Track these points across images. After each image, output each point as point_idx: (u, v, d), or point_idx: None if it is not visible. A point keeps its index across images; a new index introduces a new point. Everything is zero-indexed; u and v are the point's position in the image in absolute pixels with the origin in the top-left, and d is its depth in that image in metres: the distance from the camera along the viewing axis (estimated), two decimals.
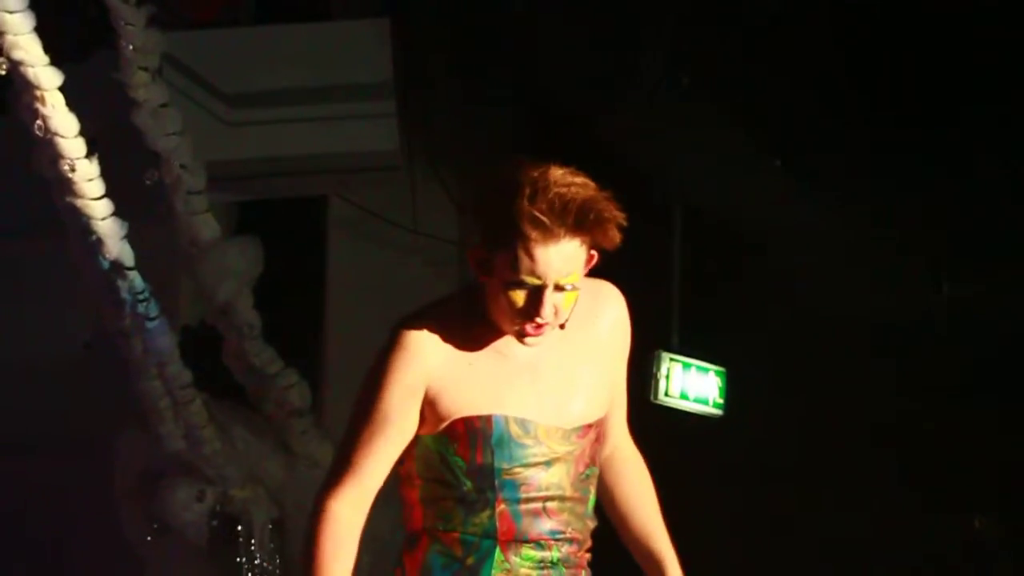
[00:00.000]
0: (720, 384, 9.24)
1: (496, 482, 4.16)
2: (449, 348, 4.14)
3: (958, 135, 8.59)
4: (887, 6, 8.25)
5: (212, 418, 8.00)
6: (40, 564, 9.19)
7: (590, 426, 4.26)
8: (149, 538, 8.22)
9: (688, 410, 9.08)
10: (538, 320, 4.04)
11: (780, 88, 8.45)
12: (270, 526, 8.29)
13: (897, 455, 9.42)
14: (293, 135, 8.70)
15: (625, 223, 4.05)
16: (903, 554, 9.46)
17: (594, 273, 4.24)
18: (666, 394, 8.50)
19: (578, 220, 3.90)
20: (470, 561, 4.21)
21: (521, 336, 4.11)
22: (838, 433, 9.42)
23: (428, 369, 4.11)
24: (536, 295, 3.98)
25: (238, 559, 8.20)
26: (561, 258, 3.95)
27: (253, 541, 8.23)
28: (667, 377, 8.87)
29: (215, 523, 8.15)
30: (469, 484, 4.17)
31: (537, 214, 3.88)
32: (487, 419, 4.14)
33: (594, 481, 4.34)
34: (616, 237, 4.03)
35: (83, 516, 8.83)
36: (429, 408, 4.13)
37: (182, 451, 8.09)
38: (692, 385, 9.10)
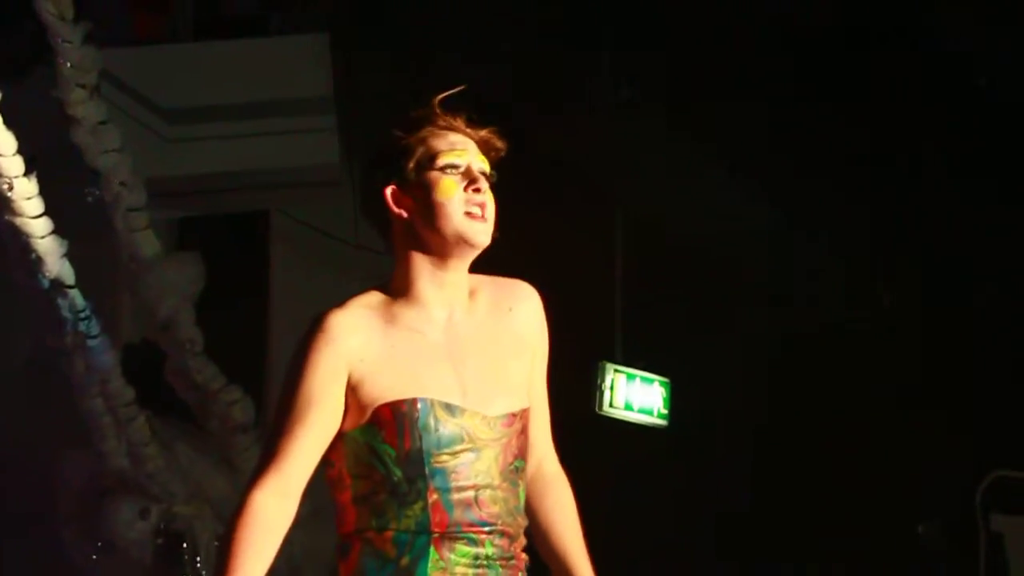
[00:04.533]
0: (664, 394, 9.32)
1: (426, 469, 4.01)
2: (370, 332, 4.01)
3: (908, 144, 8.69)
4: (838, 12, 8.30)
5: (155, 435, 7.91)
6: None
7: (514, 415, 4.14)
8: (94, 556, 8.10)
9: (633, 421, 8.94)
10: (478, 195, 3.97)
11: (725, 98, 8.51)
12: (215, 543, 7.99)
13: (843, 461, 9.23)
14: (233, 151, 8.66)
15: (504, 149, 4.09)
16: (850, 558, 9.25)
17: (539, 284, 4.13)
18: (611, 405, 8.47)
19: (469, 120, 3.98)
20: (404, 561, 4.03)
21: (467, 230, 4.00)
22: (783, 440, 9.27)
23: (349, 352, 3.99)
24: (467, 173, 3.96)
25: None
26: (472, 141, 4.04)
27: (198, 558, 8.12)
28: (611, 388, 8.89)
29: (160, 541, 8.06)
30: (399, 473, 4.01)
31: (440, 110, 3.98)
32: (412, 402, 4.00)
33: (523, 476, 4.22)
34: (501, 146, 4.06)
35: (23, 533, 8.65)
36: (353, 396, 3.99)
37: (125, 468, 7.97)
38: (636, 396, 9.19)
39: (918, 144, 9.06)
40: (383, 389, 4.01)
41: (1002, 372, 9.30)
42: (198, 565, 8.18)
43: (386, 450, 4.02)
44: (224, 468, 8.27)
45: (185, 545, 8.13)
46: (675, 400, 9.54)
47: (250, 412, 8.15)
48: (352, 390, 3.98)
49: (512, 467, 4.12)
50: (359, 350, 4.02)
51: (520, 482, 4.20)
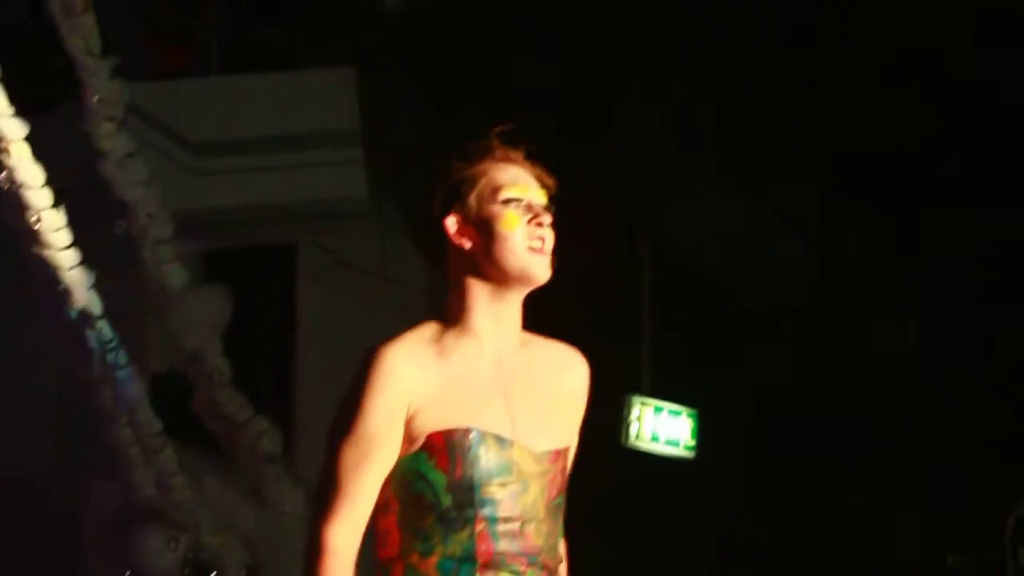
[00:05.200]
0: (692, 426, 9.40)
1: (476, 498, 4.01)
2: (425, 366, 4.01)
3: (934, 171, 8.61)
4: (857, 42, 8.28)
5: (183, 466, 7.96)
6: None
7: (559, 452, 4.10)
8: None
9: (659, 453, 8.95)
10: (540, 230, 3.97)
11: (750, 128, 8.45)
12: (243, 572, 8.27)
13: (871, 489, 9.19)
14: (260, 183, 8.79)
15: (554, 186, 4.06)
16: None
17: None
18: (637, 437, 8.51)
19: (528, 153, 3.98)
20: None
21: (530, 264, 3.99)
22: (811, 471, 9.21)
23: (406, 386, 3.97)
24: (529, 208, 3.95)
25: None
26: (531, 175, 4.03)
27: None
28: (639, 420, 8.89)
29: (187, 571, 8.14)
30: (449, 500, 4.00)
31: (499, 142, 3.96)
32: (464, 432, 4.00)
33: (562, 513, 4.13)
34: (551, 183, 4.03)
35: (50, 561, 8.67)
36: (406, 426, 3.99)
37: (153, 498, 8.04)
38: (663, 428, 9.16)
39: (947, 170, 9.08)
40: (436, 419, 4.01)
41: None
42: None
43: (436, 477, 4.02)
44: (252, 498, 8.36)
45: (214, 575, 8.25)
46: (702, 432, 9.51)
47: (278, 443, 8.22)
48: (407, 420, 4.00)
49: (555, 503, 4.11)
50: (415, 383, 4.00)
51: (560, 519, 4.15)
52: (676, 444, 9.26)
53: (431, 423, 4.00)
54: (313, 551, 3.93)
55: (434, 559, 4.02)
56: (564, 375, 4.21)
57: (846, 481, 9.56)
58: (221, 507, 8.35)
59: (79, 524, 8.51)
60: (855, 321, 9.77)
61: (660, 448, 9.23)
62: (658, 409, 9.14)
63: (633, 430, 8.90)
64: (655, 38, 8.60)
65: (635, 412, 9.00)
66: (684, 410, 9.28)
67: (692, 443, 9.32)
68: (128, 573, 8.11)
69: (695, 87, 8.38)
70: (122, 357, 7.69)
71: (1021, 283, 9.19)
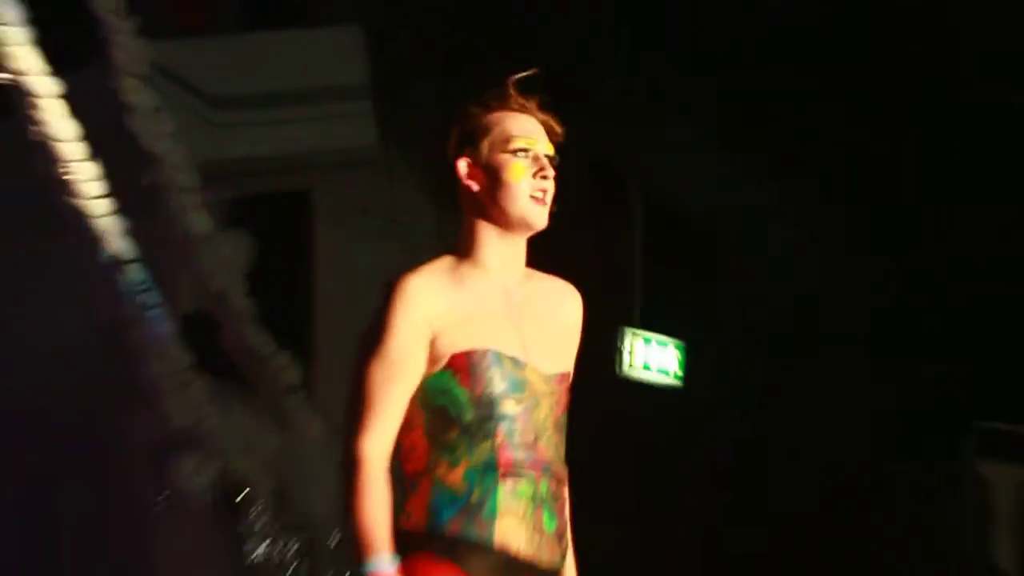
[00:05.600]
0: (680, 357, 9.40)
1: (495, 412, 4.16)
2: (443, 292, 4.15)
3: (918, 133, 8.83)
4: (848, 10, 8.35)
5: (211, 397, 7.97)
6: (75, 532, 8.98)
7: (564, 375, 4.28)
8: (158, 507, 8.19)
9: (650, 381, 9.25)
10: (544, 182, 4.10)
11: (735, 87, 8.62)
12: (270, 495, 8.34)
13: (847, 423, 9.52)
14: (276, 135, 9.00)
15: (562, 135, 4.15)
16: (855, 511, 9.57)
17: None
18: (630, 366, 8.82)
19: (541, 103, 4.09)
20: (475, 497, 4.19)
21: (530, 213, 4.14)
22: (790, 402, 9.53)
23: (428, 311, 4.11)
24: (536, 160, 4.08)
25: (240, 525, 8.21)
26: (541, 127, 4.15)
27: (253, 508, 8.22)
28: (630, 350, 9.07)
29: (218, 492, 8.14)
30: (471, 415, 4.15)
31: (515, 91, 4.08)
32: (484, 352, 4.16)
33: (565, 428, 4.32)
34: (560, 132, 4.14)
35: (92, 489, 8.66)
36: (431, 347, 4.14)
37: (186, 427, 7.98)
38: (654, 358, 9.28)
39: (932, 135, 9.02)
40: (457, 340, 4.16)
41: (999, 329, 9.61)
42: (252, 515, 8.28)
43: (460, 393, 4.15)
44: (275, 426, 8.52)
45: (241, 496, 8.23)
46: (689, 362, 9.50)
47: (297, 376, 8.45)
48: (431, 342, 4.14)
49: (560, 419, 4.25)
50: (437, 308, 4.14)
51: (564, 434, 4.29)
52: (666, 373, 9.52)
53: (453, 344, 4.14)
54: (348, 463, 4.07)
55: (460, 470, 4.16)
56: (562, 307, 4.33)
57: (818, 401, 9.70)
58: (247, 434, 8.39)
59: (121, 454, 8.52)
60: (830, 267, 9.50)
61: (651, 376, 9.49)
62: (647, 340, 9.42)
63: (626, 359, 8.90)
64: None
65: (627, 342, 9.27)
66: (672, 341, 9.55)
67: (680, 373, 9.62)
68: (166, 494, 8.15)
69: (683, 42, 8.35)
70: (153, 298, 7.78)
71: None
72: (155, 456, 8.32)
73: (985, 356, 10.30)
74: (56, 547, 8.91)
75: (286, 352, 8.46)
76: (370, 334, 4.09)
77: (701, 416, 9.84)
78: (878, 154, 9.07)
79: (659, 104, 8.78)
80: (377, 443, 4.08)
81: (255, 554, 8.37)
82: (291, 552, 8.54)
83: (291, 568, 8.60)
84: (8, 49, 6.89)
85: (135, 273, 7.67)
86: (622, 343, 8.77)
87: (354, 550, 4.04)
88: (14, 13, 6.83)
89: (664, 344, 9.88)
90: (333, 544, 8.47)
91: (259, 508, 8.34)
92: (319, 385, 9.06)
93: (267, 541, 8.35)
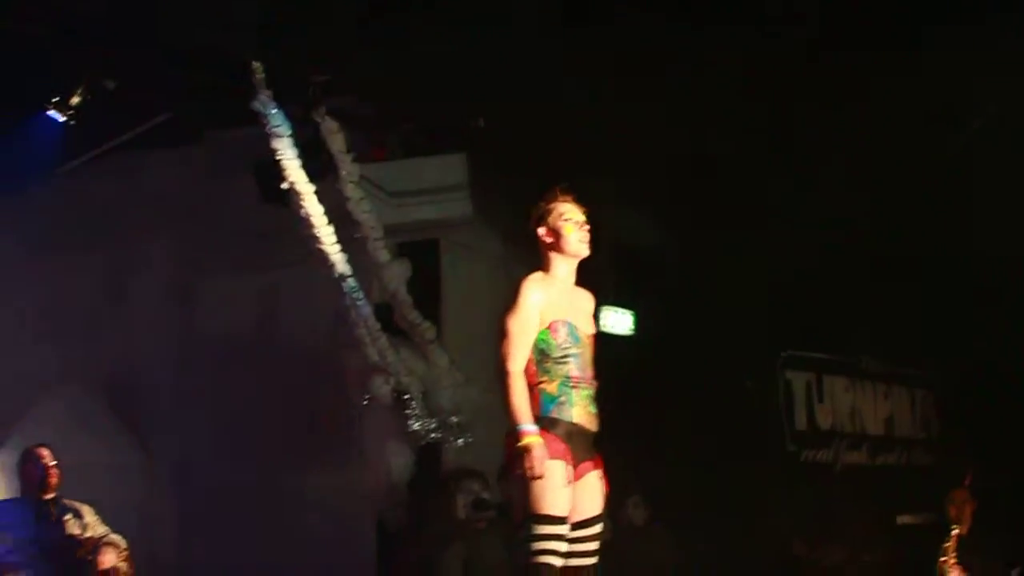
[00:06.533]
0: (632, 320, 10.53)
1: (571, 351, 5.39)
2: (545, 288, 5.39)
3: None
4: None
5: (390, 345, 9.40)
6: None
7: (593, 335, 5.45)
8: (364, 403, 9.50)
9: (612, 333, 10.07)
10: (585, 233, 5.39)
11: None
12: (421, 396, 9.54)
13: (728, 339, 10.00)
14: (420, 209, 10.11)
15: (586, 211, 5.30)
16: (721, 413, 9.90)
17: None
18: (602, 326, 9.21)
19: (575, 198, 5.46)
20: (563, 399, 5.36)
21: (581, 251, 5.42)
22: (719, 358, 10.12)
23: (539, 296, 5.34)
24: (579, 223, 5.42)
25: (405, 413, 9.47)
26: (576, 207, 5.44)
27: (414, 404, 9.43)
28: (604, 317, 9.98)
29: (395, 395, 9.43)
30: (558, 353, 5.37)
31: (560, 192, 5.44)
32: (564, 321, 5.42)
33: (593, 362, 5.37)
34: (584, 208, 5.33)
35: (332, 393, 9.60)
36: (540, 316, 5.35)
37: (377, 361, 9.43)
38: (616, 321, 10.36)
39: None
40: (549, 315, 5.38)
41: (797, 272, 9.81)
42: (413, 408, 9.37)
43: (552, 340, 5.39)
44: (422, 360, 9.61)
45: (406, 397, 9.42)
46: (637, 325, 10.44)
47: (434, 334, 9.67)
48: (540, 313, 5.35)
49: (593, 357, 5.43)
50: (540, 296, 5.36)
51: (593, 363, 5.39)
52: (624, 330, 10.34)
53: (549, 316, 5.36)
54: (503, 375, 5.26)
55: (554, 383, 5.37)
56: (587, 300, 5.61)
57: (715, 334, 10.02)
58: (408, 364, 9.48)
59: (343, 376, 9.53)
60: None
61: (615, 331, 10.27)
62: (615, 311, 10.26)
63: (601, 323, 9.50)
64: None
65: (602, 313, 9.94)
66: (627, 311, 10.39)
67: (632, 331, 10.47)
68: (367, 398, 9.36)
69: None
70: (361, 296, 9.19)
71: None
72: (361, 377, 9.45)
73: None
74: (311, 429, 9.84)
75: (428, 321, 9.57)
76: (510, 308, 5.29)
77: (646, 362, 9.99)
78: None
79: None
80: (517, 364, 5.23)
81: (412, 428, 9.45)
82: (431, 427, 9.48)
83: (431, 435, 9.47)
84: (288, 165, 8.51)
85: (351, 284, 9.09)
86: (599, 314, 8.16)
87: (510, 420, 5.21)
88: (288, 146, 8.41)
89: (623, 312, 10.36)
90: (455, 422, 9.42)
91: (414, 403, 9.41)
92: (444, 339, 9.72)
93: (419, 421, 9.44)
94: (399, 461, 9.35)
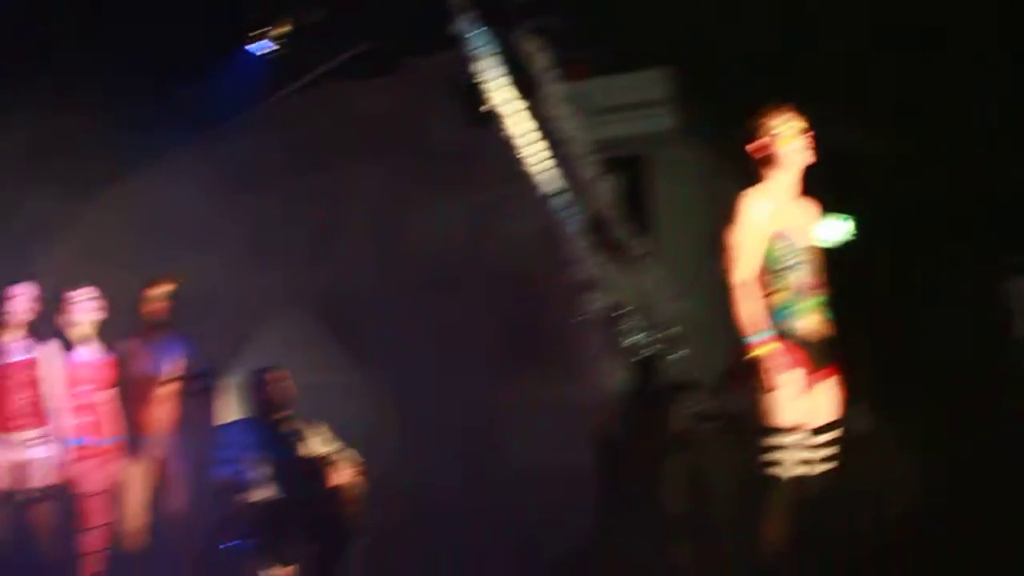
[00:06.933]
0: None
1: (797, 260, 5.54)
2: (767, 197, 5.51)
3: None
4: None
5: (603, 261, 9.64)
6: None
7: (816, 245, 5.59)
8: (578, 320, 9.70)
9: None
10: (804, 143, 5.47)
11: None
12: (634, 311, 9.71)
13: None
14: (626, 125, 10.22)
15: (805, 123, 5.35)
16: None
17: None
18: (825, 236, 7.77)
19: (790, 111, 5.45)
20: (793, 308, 5.49)
21: (802, 161, 5.47)
22: None
23: (763, 206, 5.48)
24: (797, 134, 5.50)
25: (619, 326, 9.66)
26: (792, 120, 5.49)
27: (627, 319, 9.58)
28: None
29: (608, 310, 9.60)
30: (785, 264, 5.48)
31: (774, 108, 5.46)
32: (787, 230, 5.59)
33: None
34: (801, 121, 5.43)
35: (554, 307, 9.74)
36: (764, 228, 5.47)
37: (591, 276, 9.68)
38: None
39: None
40: (774, 224, 5.51)
41: None
42: (627, 323, 9.40)
43: (778, 252, 5.50)
44: (634, 275, 9.76)
45: (620, 312, 9.58)
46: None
47: (645, 248, 9.84)
48: (764, 225, 5.47)
49: (818, 267, 5.46)
50: (766, 204, 5.47)
51: (813, 271, 5.41)
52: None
53: (773, 226, 5.48)
54: (733, 287, 5.39)
55: (784, 293, 5.50)
56: (810, 212, 5.63)
57: None
58: (621, 279, 9.68)
59: (562, 292, 9.65)
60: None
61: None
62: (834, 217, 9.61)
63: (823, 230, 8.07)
64: None
65: None
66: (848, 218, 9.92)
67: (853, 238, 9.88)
68: (581, 316, 9.61)
69: None
70: (570, 214, 9.42)
71: None
72: (574, 295, 9.75)
73: None
74: (525, 347, 9.95)
75: (637, 236, 9.72)
76: (735, 218, 5.40)
77: None
78: None
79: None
80: (745, 275, 5.37)
81: (628, 341, 9.63)
82: (646, 341, 9.58)
83: (646, 349, 9.53)
84: (491, 86, 8.83)
85: (560, 202, 9.49)
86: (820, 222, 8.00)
87: (742, 331, 5.30)
88: (491, 67, 8.68)
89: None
90: (670, 335, 9.42)
91: (628, 318, 9.64)
92: (657, 253, 9.86)
93: (634, 336, 9.60)
94: (616, 376, 9.40)
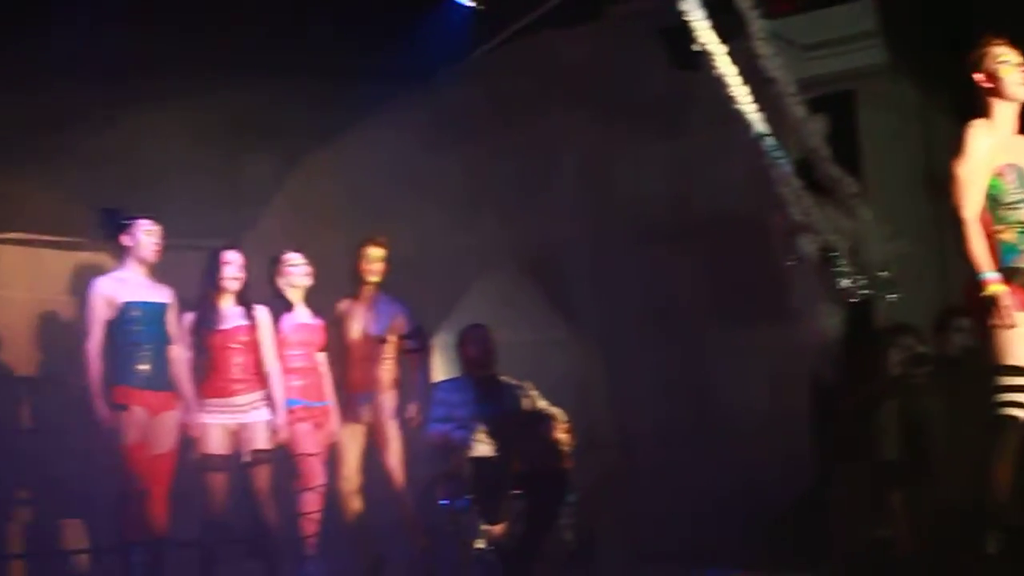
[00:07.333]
0: None
1: (1020, 196, 5.44)
2: (989, 131, 5.49)
3: None
4: None
5: (815, 203, 9.11)
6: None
7: None
8: (791, 263, 9.11)
9: None
10: (1018, 73, 5.44)
11: None
12: (848, 253, 9.14)
13: None
14: (834, 61, 9.96)
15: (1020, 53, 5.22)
16: None
17: None
18: None
19: (1006, 42, 5.41)
20: (1022, 247, 5.47)
21: (1017, 92, 5.43)
22: None
23: (984, 143, 5.46)
24: (1017, 65, 5.47)
25: (833, 269, 9.03)
26: (1010, 51, 5.42)
27: (841, 261, 9.08)
28: None
29: (819, 255, 9.10)
30: (1011, 198, 5.43)
31: (992, 39, 5.40)
32: (1011, 165, 5.54)
33: None
34: (1018, 51, 5.34)
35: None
36: (987, 163, 5.41)
37: (801, 220, 8.96)
38: None
39: None
40: (996, 160, 5.46)
41: None
42: (841, 265, 9.03)
43: (1004, 187, 5.47)
44: (847, 216, 9.20)
45: (834, 254, 9.13)
46: None
47: (858, 188, 9.11)
48: (987, 160, 5.41)
49: None
50: (986, 142, 5.45)
51: None
52: None
53: (997, 161, 5.45)
54: (959, 224, 5.36)
55: (1012, 230, 5.47)
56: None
57: None
58: (833, 220, 9.16)
59: (769, 239, 9.12)
60: None
61: None
62: None
63: None
64: None
65: None
66: None
67: None
68: (794, 259, 9.06)
69: None
70: (781, 155, 8.96)
71: None
72: (786, 237, 9.18)
73: None
74: (738, 292, 9.76)
75: (849, 175, 9.17)
76: (958, 152, 5.38)
77: None
78: None
79: None
80: (971, 211, 5.35)
81: (840, 285, 9.11)
82: (861, 283, 9.07)
83: (861, 291, 9.12)
84: (696, 27, 8.48)
85: (770, 143, 8.99)
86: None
87: (971, 268, 5.26)
88: (695, 7, 8.43)
89: None
90: (885, 277, 9.00)
91: (842, 261, 9.14)
92: (867, 192, 9.25)
93: (848, 278, 9.11)
94: (830, 319, 9.18)
